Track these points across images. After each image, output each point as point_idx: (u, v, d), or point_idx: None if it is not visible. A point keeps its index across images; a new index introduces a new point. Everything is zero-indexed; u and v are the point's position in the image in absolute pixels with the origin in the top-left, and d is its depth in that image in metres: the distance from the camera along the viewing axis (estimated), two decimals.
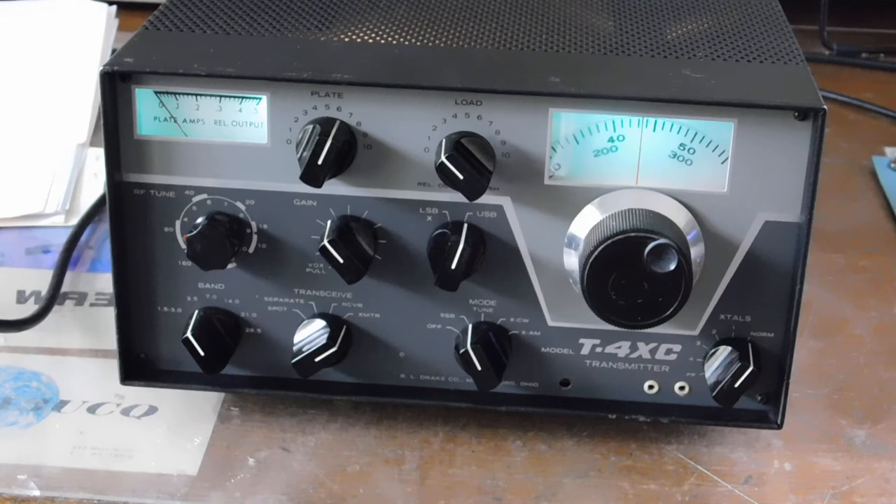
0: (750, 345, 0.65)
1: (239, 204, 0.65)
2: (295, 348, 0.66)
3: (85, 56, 1.00)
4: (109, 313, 0.67)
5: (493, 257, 0.65)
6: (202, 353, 0.65)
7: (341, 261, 0.63)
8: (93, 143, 0.94)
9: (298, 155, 0.62)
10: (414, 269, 0.65)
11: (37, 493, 0.64)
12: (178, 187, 0.65)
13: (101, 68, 0.62)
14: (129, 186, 0.65)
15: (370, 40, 0.66)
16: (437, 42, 0.67)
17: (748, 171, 0.62)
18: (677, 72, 0.64)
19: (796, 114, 0.61)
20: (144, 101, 0.63)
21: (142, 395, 0.70)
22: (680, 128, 0.62)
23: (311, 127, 0.62)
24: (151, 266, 0.66)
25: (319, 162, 0.61)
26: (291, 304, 0.66)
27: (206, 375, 0.67)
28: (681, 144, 0.62)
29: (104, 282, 0.81)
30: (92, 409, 0.69)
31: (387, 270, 0.65)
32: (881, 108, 1.07)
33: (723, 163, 0.62)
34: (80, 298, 0.79)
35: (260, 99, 0.63)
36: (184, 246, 0.65)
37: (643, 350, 0.66)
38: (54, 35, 1.01)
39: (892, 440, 0.69)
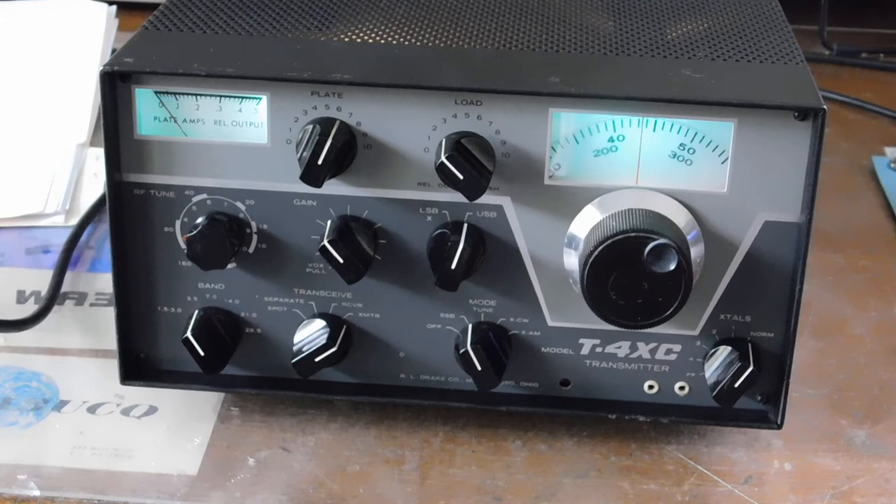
0: (750, 345, 0.65)
1: (239, 204, 0.65)
2: (295, 348, 0.66)
3: (85, 56, 1.00)
4: (109, 313, 0.67)
5: (493, 257, 0.65)
6: (202, 353, 0.65)
7: (341, 261, 0.63)
8: (93, 143, 0.94)
9: (298, 155, 0.62)
10: (414, 269, 0.65)
11: (37, 493, 0.64)
12: (178, 187, 0.65)
13: (101, 68, 0.62)
14: (129, 186, 0.65)
15: (370, 40, 0.66)
16: (437, 42, 0.67)
17: (748, 171, 0.62)
18: (677, 72, 0.64)
19: (796, 114, 0.61)
20: (144, 101, 0.63)
21: (142, 395, 0.70)
22: (680, 128, 0.62)
23: (311, 127, 0.62)
24: (151, 266, 0.66)
25: (319, 162, 0.61)
26: (291, 304, 0.67)
27: (206, 375, 0.67)
28: (681, 144, 0.62)
29: (104, 282, 0.81)
30: (92, 409, 0.69)
31: (387, 270, 0.65)
32: (881, 108, 1.07)
33: (723, 163, 0.62)
34: (80, 298, 0.79)
35: (260, 99, 0.63)
36: (184, 246, 0.65)
37: (643, 350, 0.66)
38: (54, 35, 1.01)
39: (892, 440, 0.69)
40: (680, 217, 0.62)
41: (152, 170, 0.64)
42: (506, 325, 0.66)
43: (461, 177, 0.60)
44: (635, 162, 0.63)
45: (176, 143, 0.64)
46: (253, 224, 0.65)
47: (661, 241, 0.59)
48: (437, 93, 0.62)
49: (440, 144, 0.62)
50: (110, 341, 0.69)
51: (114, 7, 1.05)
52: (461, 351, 0.65)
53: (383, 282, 0.66)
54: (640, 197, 0.63)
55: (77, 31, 1.02)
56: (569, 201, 0.63)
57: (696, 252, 0.63)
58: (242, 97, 0.63)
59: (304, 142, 0.61)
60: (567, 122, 0.62)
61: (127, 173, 0.64)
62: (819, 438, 0.69)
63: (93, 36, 1.01)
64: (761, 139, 0.62)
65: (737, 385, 0.64)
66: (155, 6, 0.72)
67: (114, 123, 0.63)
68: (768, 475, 0.66)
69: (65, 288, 0.79)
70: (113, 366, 0.68)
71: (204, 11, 0.69)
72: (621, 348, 0.66)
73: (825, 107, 0.60)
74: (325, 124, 0.62)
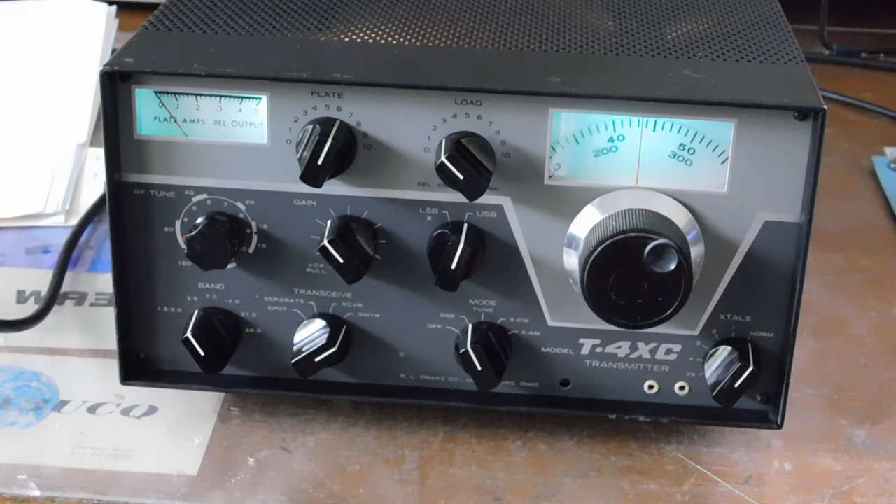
0: (750, 345, 0.65)
1: (239, 204, 0.65)
2: (295, 348, 0.66)
3: (85, 56, 1.00)
4: (109, 313, 0.67)
5: (493, 257, 0.65)
6: (202, 353, 0.65)
7: (341, 261, 0.63)
8: (93, 143, 0.94)
9: (298, 155, 0.62)
10: (414, 269, 0.65)
11: (37, 493, 0.64)
12: (178, 187, 0.65)
13: (101, 68, 0.62)
14: (129, 186, 0.65)
15: (370, 40, 0.66)
16: (437, 42, 0.67)
17: (748, 171, 0.62)
18: (677, 72, 0.64)
19: (796, 114, 0.61)
20: (144, 101, 0.63)
21: (142, 395, 0.70)
22: (680, 128, 0.62)
23: (311, 127, 0.62)
24: (151, 266, 0.66)
25: (319, 162, 0.61)
26: (291, 304, 0.67)
27: (206, 375, 0.67)
28: (681, 144, 0.62)
29: (104, 282, 0.81)
30: (92, 409, 0.69)
31: (387, 270, 0.65)
32: (881, 108, 1.07)
33: (723, 163, 0.62)
34: (80, 298, 0.79)
35: (260, 99, 0.63)
36: (184, 246, 0.65)
37: (643, 350, 0.66)
38: (54, 35, 1.01)
39: (892, 440, 0.69)
40: (680, 217, 0.62)
41: (152, 170, 0.64)
42: (506, 325, 0.66)
43: (461, 177, 0.60)
44: (635, 162, 0.63)
45: (176, 143, 0.64)
46: (253, 224, 0.65)
47: (661, 241, 0.59)
48: (437, 93, 0.62)
49: (440, 144, 0.62)
50: (110, 341, 0.69)
51: (114, 7, 1.05)
52: (461, 351, 0.65)
53: (383, 282, 0.66)
54: (640, 197, 0.63)
55: (77, 31, 1.02)
56: (569, 201, 0.63)
57: (696, 252, 0.63)
58: (242, 97, 0.63)
59: (304, 142, 0.61)
60: (567, 122, 0.62)
61: (127, 173, 0.64)
62: (819, 438, 0.69)
63: (93, 36, 1.01)
64: (761, 139, 0.62)
65: (737, 385, 0.64)
66: (155, 6, 0.72)
67: (114, 123, 0.63)
68: (768, 475, 0.66)
69: (65, 288, 0.79)
70: (113, 366, 0.68)
71: (204, 11, 0.69)
72: (621, 348, 0.66)
73: (825, 107, 0.60)
74: (325, 124, 0.62)
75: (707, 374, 0.65)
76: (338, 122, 0.62)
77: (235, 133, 0.64)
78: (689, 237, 0.62)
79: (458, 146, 0.61)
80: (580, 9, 0.72)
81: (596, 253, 0.60)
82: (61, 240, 0.83)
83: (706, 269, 0.64)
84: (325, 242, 0.62)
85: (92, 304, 0.79)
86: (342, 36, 0.67)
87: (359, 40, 0.66)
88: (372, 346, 0.67)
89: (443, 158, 0.60)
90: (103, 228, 0.85)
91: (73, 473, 0.65)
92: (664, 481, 0.66)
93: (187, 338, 0.65)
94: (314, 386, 0.68)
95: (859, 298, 0.82)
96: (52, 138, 0.94)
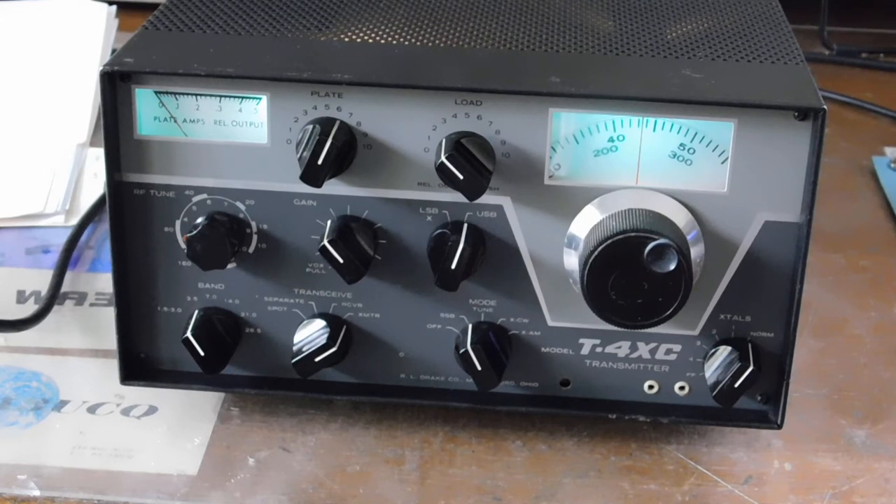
0: (750, 345, 0.65)
1: (239, 204, 0.65)
2: (295, 348, 0.66)
3: (85, 56, 1.00)
4: (109, 313, 0.67)
5: (493, 257, 0.65)
6: (202, 353, 0.65)
7: (341, 261, 0.63)
8: (93, 143, 0.94)
9: (298, 155, 0.62)
10: (414, 269, 0.65)
11: (37, 493, 0.64)
12: (178, 187, 0.65)
13: (101, 68, 0.62)
14: (129, 186, 0.65)
15: (370, 40, 0.66)
16: (437, 42, 0.67)
17: (748, 171, 0.62)
18: (677, 72, 0.64)
19: (796, 114, 0.61)
20: (144, 101, 0.63)
21: (142, 395, 0.70)
22: (680, 128, 0.62)
23: (311, 127, 0.62)
24: (151, 266, 0.66)
25: (319, 162, 0.61)
26: (291, 304, 0.67)
27: (206, 375, 0.67)
28: (681, 144, 0.62)
29: (104, 282, 0.81)
30: (92, 409, 0.69)
31: (387, 270, 0.65)
32: (881, 108, 1.07)
33: (723, 163, 0.62)
34: (80, 298, 0.79)
35: (260, 99, 0.63)
36: (184, 246, 0.65)
37: (643, 350, 0.66)
38: (54, 35, 1.01)
39: (892, 440, 0.69)
40: (680, 217, 0.62)
41: (152, 170, 0.64)
42: (506, 325, 0.66)
43: (461, 177, 0.60)
44: (635, 162, 0.63)
45: (176, 143, 0.64)
46: (253, 224, 0.65)
47: (661, 241, 0.59)
48: (437, 93, 0.62)
49: (440, 144, 0.62)
50: (110, 341, 0.69)
51: (114, 7, 1.05)
52: (461, 351, 0.65)
53: (383, 282, 0.66)
54: (640, 197, 0.63)
55: (77, 31, 1.02)
56: (569, 201, 0.63)
57: (696, 252, 0.63)
58: (242, 97, 0.63)
59: (304, 142, 0.61)
60: (567, 122, 0.62)
61: (127, 173, 0.64)
62: (819, 438, 0.69)
63: (93, 36, 1.01)
64: (761, 139, 0.62)
65: (737, 385, 0.64)
66: (155, 6, 0.72)
67: (114, 123, 0.63)
68: (768, 475, 0.66)
69: (65, 288, 0.79)
70: (113, 366, 0.68)
71: (204, 11, 0.69)
72: (621, 348, 0.66)
73: (825, 107, 0.60)
74: (325, 124, 0.62)
75: (707, 374, 0.65)
76: (338, 122, 0.62)
77: (235, 133, 0.64)
78: (689, 237, 0.62)
79: (458, 146, 0.61)
80: (580, 9, 0.72)
81: (596, 253, 0.60)
82: (61, 240, 0.83)
83: (706, 269, 0.64)
84: (325, 242, 0.62)
85: (92, 304, 0.79)
86: (342, 36, 0.67)
87: (359, 40, 0.66)
88: (372, 346, 0.67)
89: (443, 158, 0.60)
90: (103, 228, 0.85)
91: (73, 473, 0.65)
92: (664, 481, 0.66)
93: (187, 338, 0.65)
94: (314, 386, 0.68)
95: (859, 298, 0.82)
96: (52, 138, 0.94)
